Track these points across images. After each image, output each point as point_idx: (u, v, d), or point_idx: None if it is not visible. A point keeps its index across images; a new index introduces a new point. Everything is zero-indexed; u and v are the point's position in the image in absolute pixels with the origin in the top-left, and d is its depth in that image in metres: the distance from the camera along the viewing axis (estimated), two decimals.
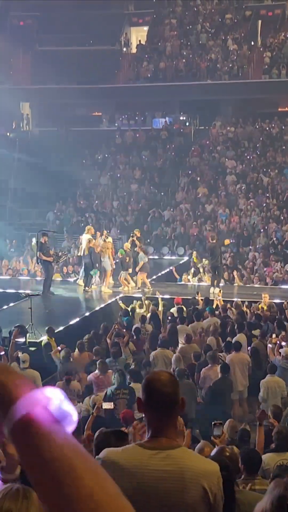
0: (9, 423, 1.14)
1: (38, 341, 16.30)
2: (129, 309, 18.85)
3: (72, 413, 1.17)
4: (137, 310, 18.90)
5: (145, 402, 3.29)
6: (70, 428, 1.17)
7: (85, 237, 22.20)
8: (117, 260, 22.85)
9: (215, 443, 6.37)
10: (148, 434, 3.28)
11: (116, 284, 22.54)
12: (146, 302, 19.22)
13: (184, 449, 3.31)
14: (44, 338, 16.04)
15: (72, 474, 1.10)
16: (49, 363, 15.18)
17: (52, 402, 1.16)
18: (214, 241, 22.25)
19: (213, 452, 5.28)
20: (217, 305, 18.67)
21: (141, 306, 19.11)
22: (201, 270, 24.00)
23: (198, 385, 13.63)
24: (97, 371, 13.41)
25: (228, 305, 18.63)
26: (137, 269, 22.40)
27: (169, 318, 17.72)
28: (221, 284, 22.89)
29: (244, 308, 18.41)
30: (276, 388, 13.17)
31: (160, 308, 18.78)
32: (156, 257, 28.00)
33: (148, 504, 3.09)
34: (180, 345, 15.90)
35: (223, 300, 19.12)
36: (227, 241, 23.69)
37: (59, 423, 1.15)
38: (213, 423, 6.42)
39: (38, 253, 21.77)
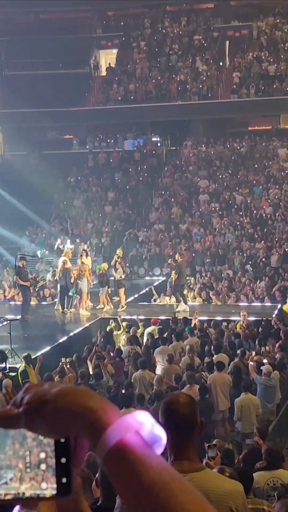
0: (102, 451, 1.12)
1: (18, 366, 16.17)
2: (107, 330, 18.82)
3: (163, 436, 1.16)
4: (114, 332, 18.87)
5: (164, 425, 3.25)
6: (160, 451, 1.15)
7: (61, 260, 22.14)
8: (95, 281, 22.78)
9: (210, 465, 6.36)
10: (170, 458, 3.26)
11: (95, 304, 22.47)
12: (124, 323, 19.18)
13: (208, 471, 3.32)
14: (20, 365, 15.88)
15: (173, 498, 1.08)
16: None
17: (145, 426, 1.14)
18: (182, 259, 22.33)
19: None
20: (195, 324, 18.66)
21: (118, 328, 19.08)
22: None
23: None
24: None
25: (205, 325, 18.64)
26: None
27: (149, 339, 17.70)
28: (198, 304, 23.01)
29: (223, 327, 18.46)
30: (250, 406, 13.18)
31: (140, 329, 18.74)
32: (133, 278, 27.98)
33: None
34: (161, 366, 15.90)
35: (200, 320, 19.09)
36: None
37: (151, 447, 1.13)
38: (207, 445, 6.39)
39: (15, 277, 21.64)
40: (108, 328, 18.99)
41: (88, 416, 1.13)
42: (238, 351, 15.83)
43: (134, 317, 19.65)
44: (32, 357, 16.21)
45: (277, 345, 16.51)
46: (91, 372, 15.33)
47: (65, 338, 19.37)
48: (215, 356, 15.36)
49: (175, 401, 3.31)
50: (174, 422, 3.24)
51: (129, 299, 23.17)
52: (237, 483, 3.40)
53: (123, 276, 22.35)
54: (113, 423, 1.12)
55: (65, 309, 21.98)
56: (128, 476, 1.11)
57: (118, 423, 1.12)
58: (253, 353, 15.77)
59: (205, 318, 19.90)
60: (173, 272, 24.67)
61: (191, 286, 24.74)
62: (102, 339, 18.27)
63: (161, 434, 1.16)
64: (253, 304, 23.09)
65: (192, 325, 18.56)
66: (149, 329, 18.54)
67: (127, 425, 1.12)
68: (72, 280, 21.64)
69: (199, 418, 3.34)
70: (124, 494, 1.12)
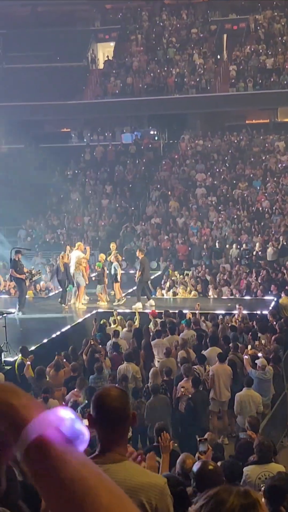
0: (22, 446, 1.12)
1: (13, 360, 16.18)
2: (100, 323, 18.83)
3: (84, 432, 1.16)
4: (108, 326, 18.85)
5: (95, 417, 3.29)
6: (82, 447, 1.16)
7: (74, 254, 22.09)
8: (95, 273, 22.70)
9: (200, 459, 6.37)
10: (97, 450, 3.28)
11: (92, 299, 22.46)
12: (118, 317, 19.20)
13: (126, 464, 3.27)
14: (17, 358, 15.91)
15: (90, 494, 1.09)
16: (23, 383, 15.07)
17: (64, 422, 1.14)
18: (143, 255, 22.21)
19: (195, 466, 5.29)
20: (190, 318, 18.64)
21: (113, 322, 19.08)
22: (180, 284, 24.09)
23: (175, 400, 13.63)
24: (76, 388, 13.37)
25: (203, 318, 18.63)
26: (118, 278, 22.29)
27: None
28: (195, 297, 23.03)
29: (219, 321, 18.44)
30: (249, 401, 13.19)
31: (137, 322, 18.74)
32: (129, 271, 27.94)
33: None
34: (157, 359, 15.92)
35: (194, 314, 19.01)
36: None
37: (72, 443, 1.14)
38: (198, 439, 6.39)
39: (11, 270, 21.63)
40: (101, 321, 18.99)
41: (10, 413, 1.14)
42: (231, 345, 15.86)
43: (134, 310, 19.64)
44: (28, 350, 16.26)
45: (272, 338, 16.52)
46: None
47: (61, 331, 19.36)
48: (209, 349, 15.39)
49: (105, 394, 3.31)
50: (103, 415, 3.27)
51: (124, 293, 23.16)
52: (157, 476, 3.37)
53: (118, 271, 22.29)
54: (33, 419, 1.13)
55: (63, 305, 21.95)
56: (46, 472, 1.11)
57: (38, 420, 1.13)
58: (249, 346, 15.77)
59: (202, 311, 19.85)
60: (171, 269, 24.80)
61: (186, 280, 24.73)
62: (97, 333, 18.25)
63: (83, 430, 1.16)
64: (249, 297, 23.07)
65: (187, 318, 18.54)
66: (150, 324, 18.53)
67: (47, 421, 1.13)
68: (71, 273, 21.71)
69: (131, 411, 3.34)
70: (43, 490, 1.12)
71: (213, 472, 5.13)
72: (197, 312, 18.99)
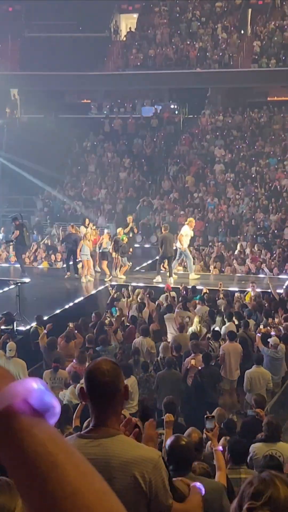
0: None
1: (25, 329, 16.26)
2: (115, 297, 18.84)
3: (55, 404, 1.12)
4: (122, 299, 18.87)
5: (86, 391, 3.28)
6: (53, 420, 1.11)
7: (184, 228, 21.97)
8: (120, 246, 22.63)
9: (207, 436, 6.38)
10: (91, 424, 3.27)
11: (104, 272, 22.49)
12: (136, 291, 19.21)
13: (120, 438, 3.23)
14: (32, 326, 16.00)
15: (56, 470, 1.05)
16: (36, 351, 15.16)
17: (34, 394, 1.09)
18: (166, 231, 22.08)
19: (168, 441, 5.35)
20: (204, 293, 18.61)
21: (128, 296, 19.09)
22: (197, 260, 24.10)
23: (183, 374, 13.65)
24: (74, 361, 13.41)
25: (221, 295, 18.54)
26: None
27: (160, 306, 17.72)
28: (211, 274, 22.99)
29: (235, 298, 18.41)
30: (259, 379, 13.19)
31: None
32: (145, 245, 27.97)
33: None
34: (170, 334, 15.92)
35: (220, 290, 18.98)
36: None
37: (41, 416, 1.10)
38: (205, 416, 6.37)
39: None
40: (115, 295, 18.99)
41: None
42: (242, 322, 15.81)
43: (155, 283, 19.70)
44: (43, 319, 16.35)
45: (283, 316, 16.43)
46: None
47: (74, 302, 19.43)
48: (226, 324, 15.37)
49: (95, 369, 3.29)
50: (94, 389, 3.26)
51: (140, 266, 23.18)
52: (151, 450, 3.34)
53: (109, 248, 22.18)
54: (0, 390, 1.09)
55: (68, 273, 22.16)
56: (12, 446, 1.07)
57: (5, 390, 1.09)
58: (261, 325, 15.73)
59: (215, 288, 19.78)
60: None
61: (202, 256, 24.68)
62: (111, 305, 18.29)
63: (53, 402, 1.11)
64: (263, 275, 22.99)
65: (202, 293, 18.52)
66: (162, 297, 18.53)
67: (13, 393, 1.09)
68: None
69: (123, 384, 3.31)
70: (8, 464, 1.08)
71: (185, 447, 5.18)
72: (219, 289, 18.90)
